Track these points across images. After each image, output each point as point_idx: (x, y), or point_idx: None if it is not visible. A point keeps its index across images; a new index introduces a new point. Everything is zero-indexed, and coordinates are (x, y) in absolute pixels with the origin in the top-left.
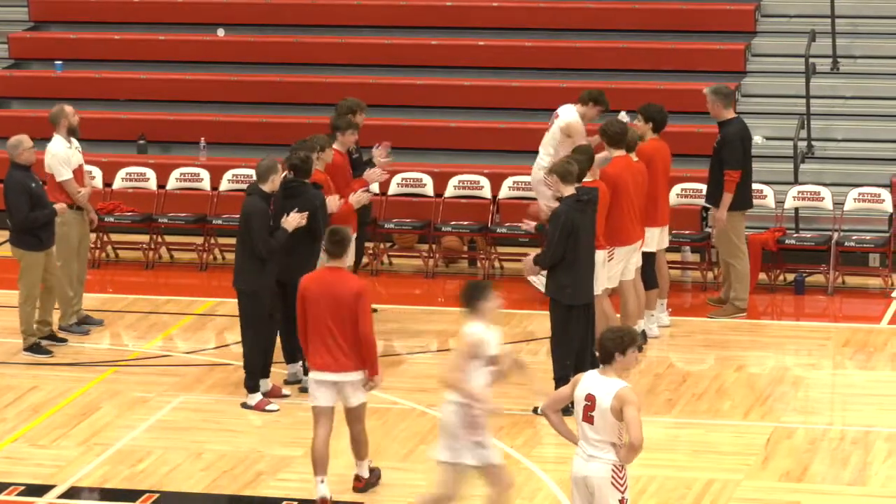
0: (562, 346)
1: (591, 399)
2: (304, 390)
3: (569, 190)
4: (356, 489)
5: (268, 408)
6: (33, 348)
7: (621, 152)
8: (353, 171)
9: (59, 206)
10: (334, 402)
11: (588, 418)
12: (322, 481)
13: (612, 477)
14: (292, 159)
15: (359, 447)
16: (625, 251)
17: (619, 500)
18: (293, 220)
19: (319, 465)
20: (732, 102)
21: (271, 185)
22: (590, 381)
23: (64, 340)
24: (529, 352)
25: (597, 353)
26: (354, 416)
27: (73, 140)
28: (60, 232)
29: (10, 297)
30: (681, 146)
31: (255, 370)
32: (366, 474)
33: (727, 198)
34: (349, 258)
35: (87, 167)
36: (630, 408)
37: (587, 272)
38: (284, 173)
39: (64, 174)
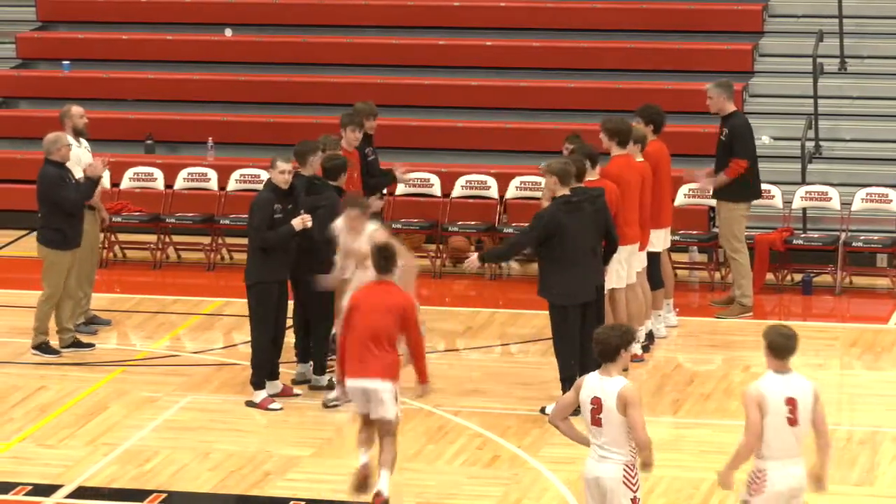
0: (563, 347)
1: (596, 402)
2: (314, 388)
3: (563, 191)
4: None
5: (270, 406)
6: (41, 347)
7: (622, 151)
8: (367, 174)
9: (99, 163)
10: (369, 410)
11: (596, 421)
12: (364, 452)
13: (625, 477)
14: (323, 161)
15: (385, 456)
16: (625, 251)
17: (632, 500)
18: (298, 221)
19: (363, 446)
20: (734, 95)
21: (274, 179)
22: (593, 384)
23: (91, 346)
24: (536, 352)
25: (596, 351)
26: (384, 430)
27: (83, 140)
28: None
29: (18, 297)
30: (687, 146)
31: (261, 366)
32: (387, 491)
33: (724, 179)
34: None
35: None
36: (633, 409)
37: (579, 273)
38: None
39: (76, 172)
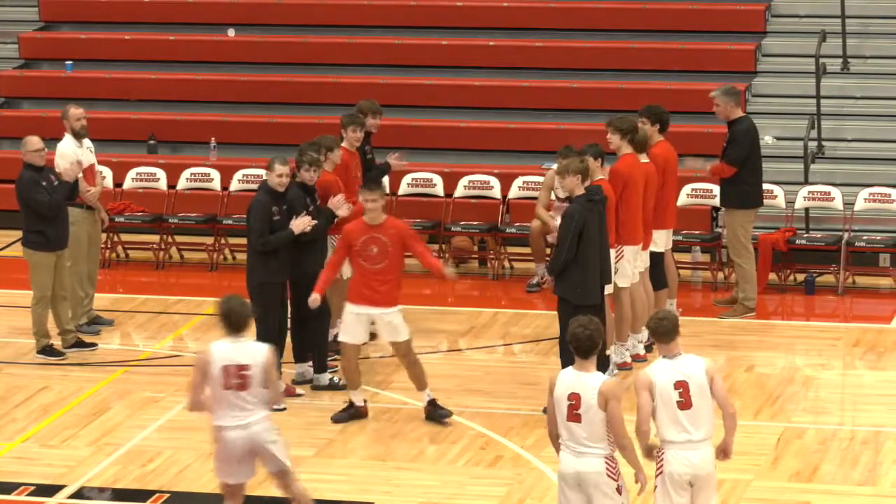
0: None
1: (575, 398)
2: (316, 388)
3: (581, 189)
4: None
5: (274, 407)
6: (46, 350)
7: (630, 149)
8: (366, 172)
9: (74, 166)
10: None
11: (574, 417)
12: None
13: (607, 469)
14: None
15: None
16: (631, 251)
17: (617, 489)
18: (300, 223)
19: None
20: (741, 101)
21: (270, 182)
22: (570, 380)
23: (94, 345)
24: (539, 352)
25: (575, 348)
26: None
27: (85, 140)
28: (71, 231)
29: (20, 298)
30: (690, 146)
31: None
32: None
33: (712, 168)
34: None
35: (97, 167)
36: (614, 403)
37: (596, 273)
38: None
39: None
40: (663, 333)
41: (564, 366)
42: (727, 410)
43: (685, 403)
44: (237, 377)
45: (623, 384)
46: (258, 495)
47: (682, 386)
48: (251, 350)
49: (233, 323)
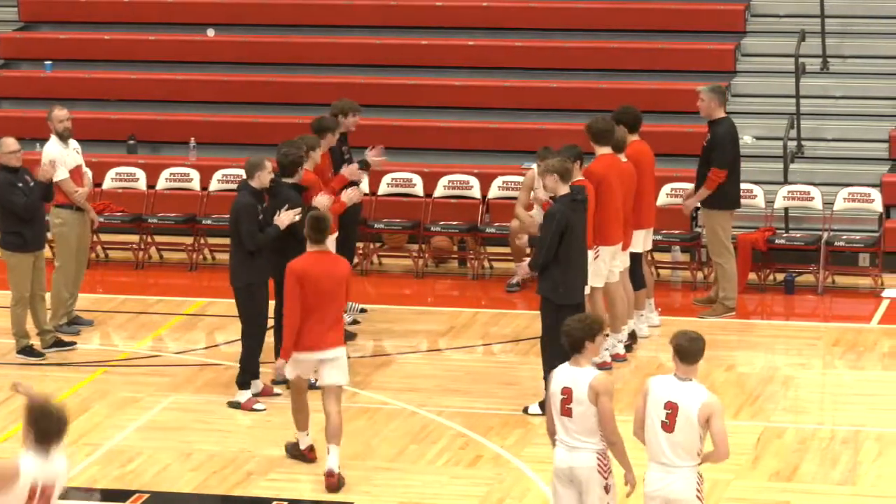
0: (552, 346)
1: (567, 392)
2: None
3: (564, 189)
4: (331, 485)
5: (255, 407)
6: (25, 351)
7: (607, 150)
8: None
9: (48, 167)
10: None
11: (566, 411)
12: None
13: (598, 465)
14: (279, 157)
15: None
16: (609, 251)
17: (605, 487)
18: (286, 217)
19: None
20: (725, 102)
21: (258, 181)
22: (563, 375)
23: (73, 344)
24: (519, 352)
25: (565, 343)
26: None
27: (72, 141)
28: (59, 232)
29: (0, 298)
30: (670, 146)
31: (250, 367)
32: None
33: (704, 192)
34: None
35: (84, 168)
36: (604, 398)
37: (578, 272)
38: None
39: (59, 174)
40: (690, 354)
41: (545, 365)
42: (720, 450)
43: (668, 426)
44: (42, 499)
45: (614, 381)
46: (238, 495)
47: (671, 408)
48: (60, 468)
49: (56, 438)
